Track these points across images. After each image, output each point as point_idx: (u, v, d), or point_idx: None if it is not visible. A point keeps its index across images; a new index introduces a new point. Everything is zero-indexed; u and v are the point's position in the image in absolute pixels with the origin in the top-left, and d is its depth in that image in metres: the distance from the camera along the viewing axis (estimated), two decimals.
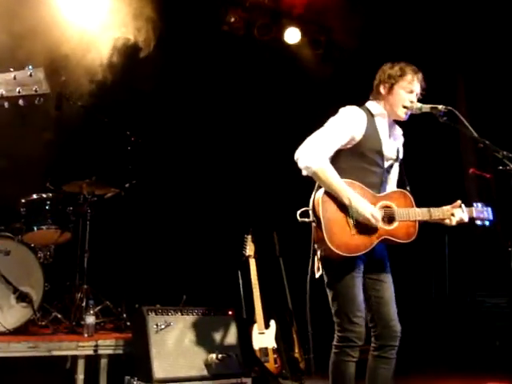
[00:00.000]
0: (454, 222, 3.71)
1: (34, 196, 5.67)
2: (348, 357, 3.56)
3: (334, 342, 3.63)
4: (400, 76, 3.72)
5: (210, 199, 7.51)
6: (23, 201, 5.65)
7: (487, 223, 3.83)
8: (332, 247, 3.44)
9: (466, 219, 3.75)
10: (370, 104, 3.81)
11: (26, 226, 5.58)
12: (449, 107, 3.61)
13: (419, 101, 3.76)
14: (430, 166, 8.31)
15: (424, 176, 7.84)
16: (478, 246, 8.31)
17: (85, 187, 5.85)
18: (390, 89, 3.74)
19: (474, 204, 3.81)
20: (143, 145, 5.99)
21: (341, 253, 3.45)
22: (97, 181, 5.81)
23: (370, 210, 3.50)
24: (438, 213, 3.70)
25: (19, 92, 2.73)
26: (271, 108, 7.87)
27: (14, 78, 2.75)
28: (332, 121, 3.67)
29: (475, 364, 7.04)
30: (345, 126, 3.62)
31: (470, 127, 3.57)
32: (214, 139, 7.64)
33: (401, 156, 3.89)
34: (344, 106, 3.74)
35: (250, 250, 5.59)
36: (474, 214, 3.79)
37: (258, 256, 5.62)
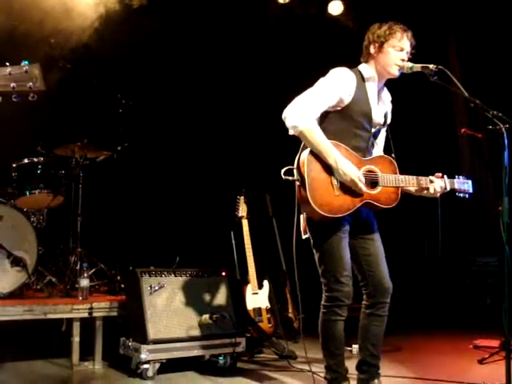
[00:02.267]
0: (431, 191, 3.74)
1: (26, 160, 5.64)
2: (336, 316, 3.62)
3: (322, 302, 3.68)
4: (389, 34, 3.69)
5: (202, 161, 7.51)
6: (14, 165, 5.63)
7: (467, 196, 3.88)
8: (315, 206, 3.44)
9: (448, 188, 3.79)
10: (362, 67, 3.78)
11: (18, 191, 5.57)
12: (440, 66, 3.58)
13: (410, 60, 3.74)
14: (423, 125, 8.31)
15: (418, 136, 7.87)
16: (469, 206, 8.36)
17: (76, 150, 5.83)
18: (380, 48, 3.71)
19: (456, 176, 3.86)
20: (134, 107, 5.94)
21: (323, 212, 3.46)
22: (88, 144, 5.79)
23: (357, 173, 3.50)
24: (421, 181, 3.74)
25: (13, 88, 2.72)
26: (262, 69, 7.81)
27: (9, 73, 2.73)
28: (321, 81, 3.64)
29: (467, 321, 7.14)
30: (333, 86, 3.60)
31: (461, 86, 3.55)
32: (207, 99, 7.61)
33: (388, 121, 3.88)
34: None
35: (242, 210, 5.60)
36: (456, 186, 3.84)
37: (250, 217, 5.63)
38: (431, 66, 3.59)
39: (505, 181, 3.39)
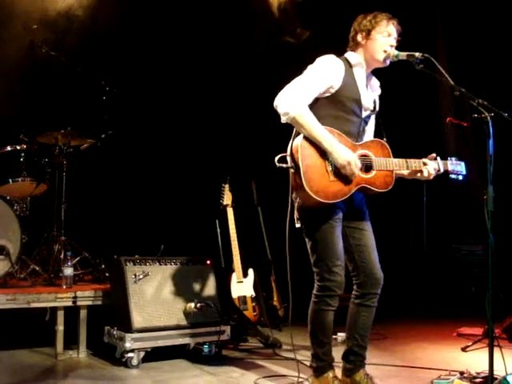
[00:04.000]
0: (425, 174, 3.74)
1: (8, 148, 5.56)
2: (327, 306, 3.62)
3: (314, 291, 3.67)
4: (375, 22, 3.70)
5: (187, 148, 7.47)
6: None
7: (460, 177, 3.89)
8: (311, 193, 3.42)
9: (442, 169, 3.80)
10: (348, 54, 3.79)
11: (0, 179, 5.51)
12: (425, 54, 3.57)
13: (397, 48, 3.73)
14: (408, 115, 8.31)
15: (403, 125, 7.87)
16: (455, 195, 8.39)
17: (60, 138, 5.76)
18: (368, 35, 3.72)
19: (449, 158, 3.86)
20: (118, 94, 5.89)
21: (319, 199, 3.44)
22: (72, 131, 5.72)
23: (352, 157, 3.49)
24: (414, 164, 3.74)
25: None
26: (248, 57, 7.77)
27: None
28: (310, 68, 3.63)
29: (452, 310, 7.18)
30: (323, 73, 3.59)
31: (447, 75, 3.55)
32: (192, 87, 7.55)
33: (377, 107, 3.88)
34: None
35: (227, 199, 5.59)
36: (449, 168, 3.84)
37: (235, 205, 5.62)
38: (417, 54, 3.58)
39: (489, 169, 3.39)
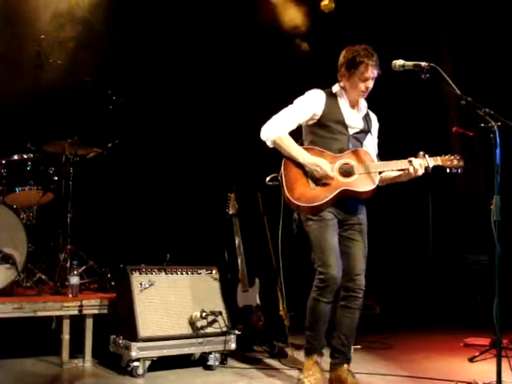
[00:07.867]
0: (411, 170, 3.92)
1: (15, 157, 5.58)
2: (321, 297, 3.96)
3: (313, 283, 4.03)
4: (354, 67, 4.00)
5: (193, 158, 7.47)
6: (4, 162, 5.57)
7: (459, 170, 3.92)
8: (293, 200, 3.93)
9: (431, 165, 3.97)
10: (335, 86, 4.20)
11: (7, 188, 5.52)
12: (432, 64, 3.59)
13: (402, 58, 3.76)
14: (414, 123, 8.31)
15: (409, 134, 7.87)
16: (460, 205, 8.37)
17: (67, 147, 5.77)
18: (346, 77, 4.08)
19: (443, 155, 3.92)
20: (125, 104, 5.91)
21: (302, 203, 3.94)
22: (79, 141, 5.73)
23: (322, 162, 3.94)
24: (396, 164, 3.99)
25: None
26: (258, 66, 7.79)
27: None
28: (296, 100, 4.15)
29: (457, 319, 7.15)
30: (304, 104, 4.12)
31: (453, 84, 3.55)
32: (199, 96, 7.57)
33: (373, 129, 4.23)
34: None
35: (233, 208, 5.59)
36: (440, 162, 4.01)
37: (241, 214, 5.62)
38: (423, 64, 3.61)
39: (496, 179, 3.39)
